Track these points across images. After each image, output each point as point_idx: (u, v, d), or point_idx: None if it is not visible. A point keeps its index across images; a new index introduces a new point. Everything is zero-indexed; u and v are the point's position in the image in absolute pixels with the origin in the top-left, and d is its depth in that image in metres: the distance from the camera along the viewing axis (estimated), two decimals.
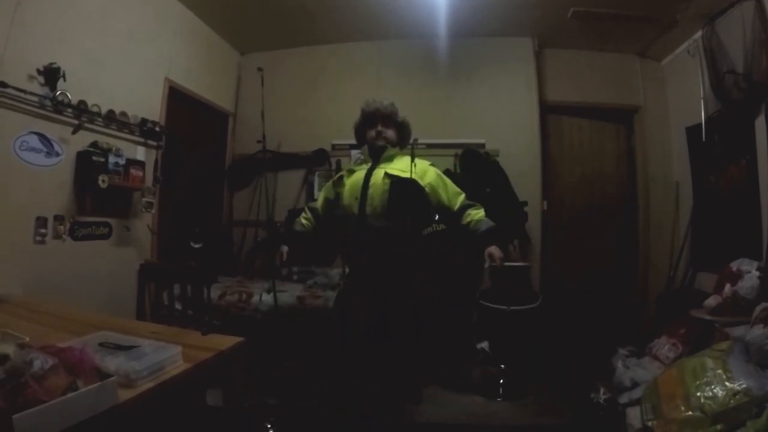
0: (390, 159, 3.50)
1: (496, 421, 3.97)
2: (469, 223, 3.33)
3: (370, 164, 3.51)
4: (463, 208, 3.38)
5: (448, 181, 3.48)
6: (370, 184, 3.37)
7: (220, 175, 6.40)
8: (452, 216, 3.42)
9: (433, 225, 4.91)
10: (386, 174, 3.36)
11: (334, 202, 3.67)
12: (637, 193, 6.17)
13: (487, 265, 3.21)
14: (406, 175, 3.33)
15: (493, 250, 3.20)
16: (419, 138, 3.84)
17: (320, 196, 3.81)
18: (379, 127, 3.52)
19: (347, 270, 3.85)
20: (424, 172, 3.45)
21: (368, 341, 3.40)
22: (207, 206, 6.11)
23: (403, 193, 3.32)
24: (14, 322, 2.51)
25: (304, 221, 3.77)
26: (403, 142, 3.67)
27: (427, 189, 3.39)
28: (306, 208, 3.87)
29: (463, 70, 6.14)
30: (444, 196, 3.41)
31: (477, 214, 3.35)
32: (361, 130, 3.68)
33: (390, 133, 3.56)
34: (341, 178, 3.60)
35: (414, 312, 3.50)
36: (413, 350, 3.56)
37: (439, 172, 3.52)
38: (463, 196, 3.45)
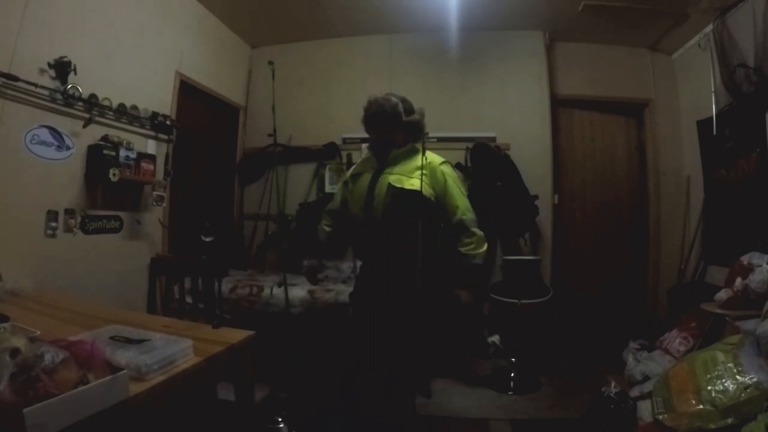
0: (396, 161, 3.27)
1: (507, 415, 3.99)
2: (460, 252, 3.22)
3: (374, 167, 3.33)
4: (462, 228, 3.23)
5: (455, 189, 3.27)
6: (375, 194, 3.21)
7: (231, 168, 6.42)
8: (449, 224, 3.27)
9: None
10: (390, 186, 3.14)
11: (346, 202, 3.54)
12: (648, 187, 6.13)
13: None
14: (412, 183, 3.12)
15: (461, 293, 3.27)
16: (430, 131, 3.80)
17: (337, 198, 3.62)
18: (374, 135, 3.34)
19: (359, 265, 3.80)
20: (434, 173, 3.23)
21: (374, 336, 3.39)
22: (218, 200, 6.13)
23: (404, 205, 3.12)
24: (25, 315, 2.54)
25: (326, 228, 3.62)
26: (412, 138, 3.35)
27: (432, 198, 3.19)
28: (325, 214, 3.68)
29: (474, 64, 6.12)
30: (448, 205, 3.24)
31: (471, 247, 3.20)
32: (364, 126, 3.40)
33: (385, 140, 3.28)
34: (346, 184, 3.48)
35: (411, 309, 3.16)
36: (413, 344, 3.49)
37: (449, 173, 3.30)
38: (461, 211, 3.25)
